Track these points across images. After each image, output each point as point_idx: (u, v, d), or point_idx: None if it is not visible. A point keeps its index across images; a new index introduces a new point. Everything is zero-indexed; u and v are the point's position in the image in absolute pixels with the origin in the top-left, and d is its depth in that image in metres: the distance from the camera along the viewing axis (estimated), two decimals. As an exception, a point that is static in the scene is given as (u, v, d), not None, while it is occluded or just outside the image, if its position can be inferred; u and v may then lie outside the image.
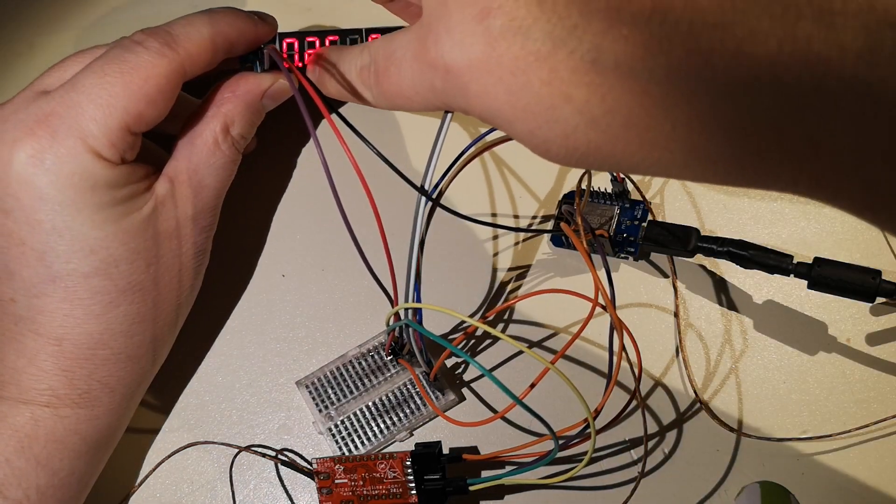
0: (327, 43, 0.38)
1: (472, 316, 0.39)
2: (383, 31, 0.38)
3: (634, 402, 0.36)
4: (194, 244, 0.36)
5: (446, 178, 0.34)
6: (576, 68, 0.24)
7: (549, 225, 0.40)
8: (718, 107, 0.22)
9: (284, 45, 0.38)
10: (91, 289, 0.33)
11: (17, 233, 0.32)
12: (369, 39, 0.38)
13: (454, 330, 0.39)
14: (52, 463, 0.33)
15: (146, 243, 0.34)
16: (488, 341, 0.38)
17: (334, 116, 0.31)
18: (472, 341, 0.38)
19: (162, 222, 0.34)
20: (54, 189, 0.32)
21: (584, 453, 0.32)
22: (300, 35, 0.38)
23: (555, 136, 0.25)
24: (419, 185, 0.31)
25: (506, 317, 0.39)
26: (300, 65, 0.38)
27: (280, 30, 0.38)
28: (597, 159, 0.25)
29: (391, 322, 0.34)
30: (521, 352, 0.37)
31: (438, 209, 0.32)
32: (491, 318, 0.39)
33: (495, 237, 0.40)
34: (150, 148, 0.38)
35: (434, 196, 0.32)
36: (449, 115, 0.31)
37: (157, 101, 0.33)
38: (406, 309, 0.32)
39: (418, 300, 0.32)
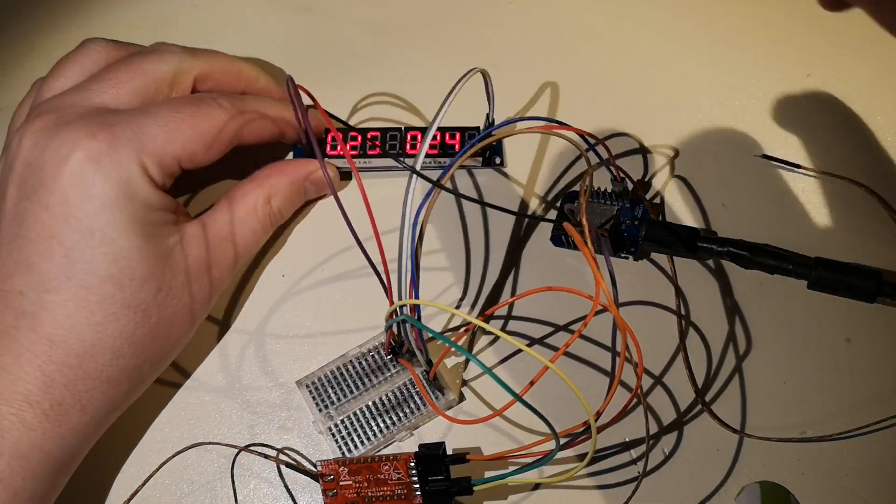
0: (368, 137, 0.41)
1: (470, 314, 0.39)
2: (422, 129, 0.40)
3: (635, 401, 0.36)
4: (201, 290, 0.37)
5: (451, 168, 0.34)
6: None
7: (549, 225, 0.40)
8: None
9: (329, 138, 0.41)
10: (101, 294, 0.33)
11: (51, 227, 0.33)
12: (407, 136, 0.41)
13: (453, 329, 0.39)
14: (14, 482, 0.32)
15: (163, 270, 0.35)
16: (488, 340, 0.38)
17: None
18: (472, 339, 0.38)
19: (183, 259, 0.36)
20: (102, 189, 0.33)
21: (588, 452, 0.32)
22: (344, 131, 0.42)
23: None
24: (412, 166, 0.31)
25: (507, 316, 0.39)
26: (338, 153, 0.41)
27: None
28: None
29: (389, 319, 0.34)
30: (521, 350, 0.37)
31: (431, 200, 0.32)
32: (490, 315, 0.39)
33: (495, 236, 0.40)
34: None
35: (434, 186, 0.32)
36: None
37: (213, 148, 0.37)
38: (403, 305, 0.32)
39: (416, 297, 0.32)
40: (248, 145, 0.39)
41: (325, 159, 0.41)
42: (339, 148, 0.41)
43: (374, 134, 0.41)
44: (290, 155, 0.42)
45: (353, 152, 0.41)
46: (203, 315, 0.38)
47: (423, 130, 0.41)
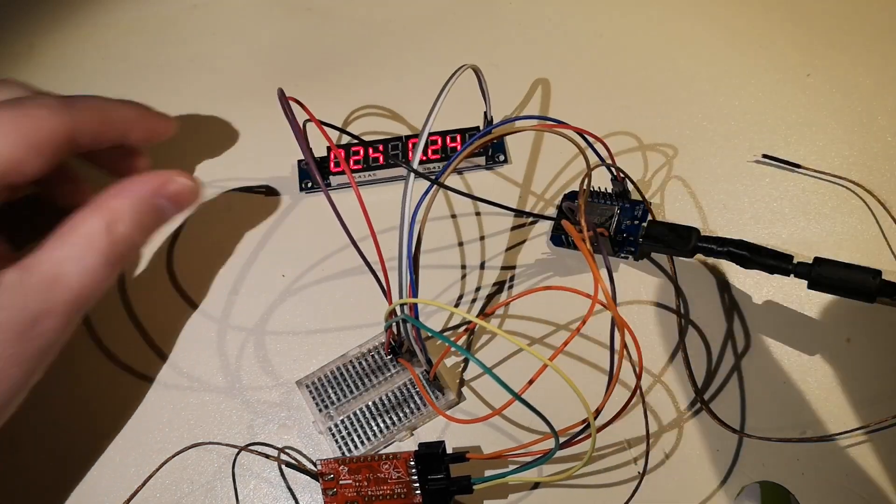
0: (370, 152, 0.41)
1: (469, 313, 0.39)
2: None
3: (635, 400, 0.36)
4: (24, 351, 0.30)
5: (450, 167, 0.34)
6: None
7: (548, 225, 0.40)
8: None
9: (332, 155, 0.41)
10: None
11: None
12: (409, 145, 0.41)
13: (453, 328, 0.39)
14: None
15: None
16: (487, 339, 0.38)
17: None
18: (471, 339, 0.38)
19: None
20: None
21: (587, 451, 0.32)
22: (347, 147, 0.42)
23: None
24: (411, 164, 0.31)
25: (505, 315, 0.39)
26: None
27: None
28: None
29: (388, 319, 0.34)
30: (520, 350, 0.37)
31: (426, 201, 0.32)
32: (490, 315, 0.39)
33: (495, 234, 0.40)
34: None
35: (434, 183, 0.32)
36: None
37: (44, 153, 0.32)
38: (402, 304, 0.32)
39: (415, 296, 0.32)
40: (89, 150, 0.34)
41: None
42: (341, 165, 0.41)
43: (377, 148, 0.41)
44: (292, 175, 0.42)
45: (356, 167, 0.41)
46: (32, 378, 0.31)
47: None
